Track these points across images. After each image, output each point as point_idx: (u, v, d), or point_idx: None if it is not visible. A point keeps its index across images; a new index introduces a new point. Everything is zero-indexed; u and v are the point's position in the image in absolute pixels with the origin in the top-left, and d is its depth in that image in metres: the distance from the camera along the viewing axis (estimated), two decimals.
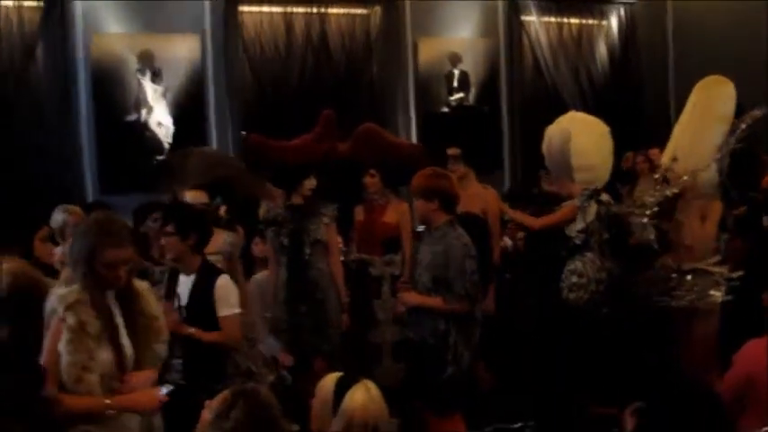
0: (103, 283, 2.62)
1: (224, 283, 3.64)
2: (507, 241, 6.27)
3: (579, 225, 4.67)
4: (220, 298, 3.59)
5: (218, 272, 3.73)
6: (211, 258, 4.15)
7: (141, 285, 2.84)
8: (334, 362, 4.85)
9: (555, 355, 4.61)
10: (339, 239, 5.35)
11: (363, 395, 2.34)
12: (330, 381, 2.42)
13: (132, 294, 2.72)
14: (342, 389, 2.36)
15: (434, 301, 3.98)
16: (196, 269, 3.64)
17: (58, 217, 4.63)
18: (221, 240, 4.23)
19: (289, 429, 2.02)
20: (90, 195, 7.01)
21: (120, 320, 2.68)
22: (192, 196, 4.25)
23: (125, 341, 2.67)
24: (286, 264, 4.82)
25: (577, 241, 4.65)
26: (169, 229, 3.60)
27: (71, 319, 2.52)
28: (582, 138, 4.80)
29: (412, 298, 4.13)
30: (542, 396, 4.53)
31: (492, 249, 5.20)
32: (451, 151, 5.47)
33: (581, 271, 4.62)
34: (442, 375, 3.90)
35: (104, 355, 2.57)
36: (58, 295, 2.57)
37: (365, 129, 5.52)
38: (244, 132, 7.48)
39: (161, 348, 2.79)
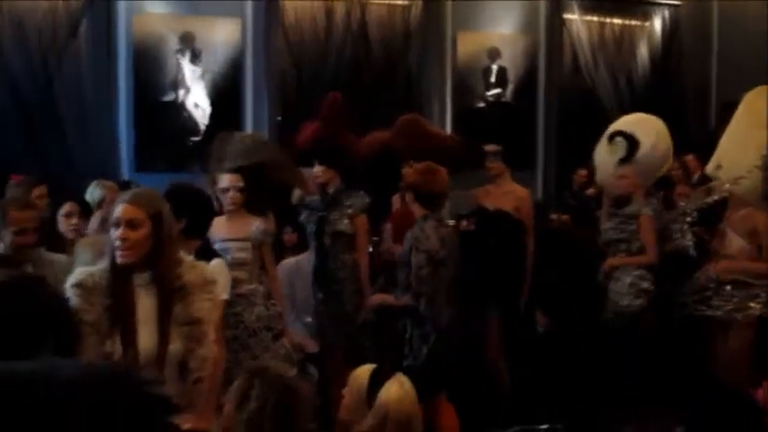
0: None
1: (215, 265, 3.58)
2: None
3: None
4: None
5: (213, 255, 3.67)
6: (239, 245, 4.12)
7: (200, 277, 2.58)
8: (351, 354, 4.83)
9: (616, 359, 4.55)
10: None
11: (398, 390, 2.32)
12: (364, 373, 2.41)
13: (171, 290, 2.49)
14: (376, 382, 2.34)
15: (390, 298, 4.28)
16: (191, 253, 3.58)
17: (95, 192, 4.65)
18: (251, 227, 4.17)
19: (309, 395, 2.04)
20: (126, 173, 7.06)
21: (148, 313, 2.49)
22: (228, 180, 4.22)
23: (147, 336, 2.47)
24: (314, 249, 4.84)
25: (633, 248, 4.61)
26: None
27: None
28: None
29: (376, 299, 4.53)
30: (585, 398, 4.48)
31: (527, 248, 5.14)
32: (491, 148, 5.40)
33: (649, 278, 4.58)
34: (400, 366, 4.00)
35: (108, 346, 2.41)
36: (74, 272, 2.50)
37: (407, 119, 5.48)
38: (279, 118, 7.50)
39: (207, 352, 2.55)
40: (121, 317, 2.45)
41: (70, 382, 0.97)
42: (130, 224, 2.43)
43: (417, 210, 4.11)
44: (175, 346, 2.50)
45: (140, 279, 2.49)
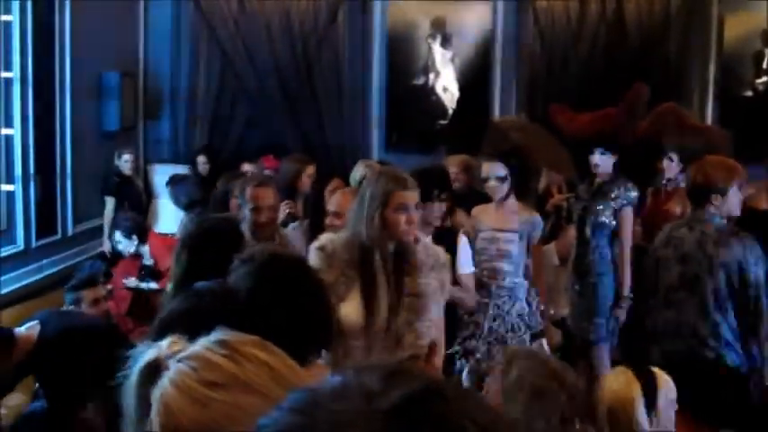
0: (380, 233, 2.59)
1: (463, 242, 3.55)
2: None
3: None
4: (459, 257, 3.48)
5: (457, 231, 3.67)
6: (507, 236, 3.93)
7: (432, 254, 2.73)
8: (596, 353, 4.59)
9: None
10: None
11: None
12: (627, 382, 2.24)
13: (402, 263, 2.65)
14: (649, 390, 2.19)
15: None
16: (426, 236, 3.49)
17: (358, 170, 4.85)
18: (520, 218, 3.95)
19: (575, 385, 2.00)
20: (375, 154, 7.36)
21: (383, 283, 2.64)
22: (485, 169, 4.00)
23: (382, 307, 2.62)
24: (576, 238, 4.66)
25: None
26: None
27: (311, 260, 2.60)
28: None
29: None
30: None
31: None
32: None
33: None
34: None
35: (345, 309, 2.56)
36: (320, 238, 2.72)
37: (665, 109, 5.13)
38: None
39: (424, 328, 2.65)
40: (367, 286, 2.59)
41: None
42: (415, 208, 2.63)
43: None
44: (401, 318, 2.61)
45: (380, 253, 2.65)
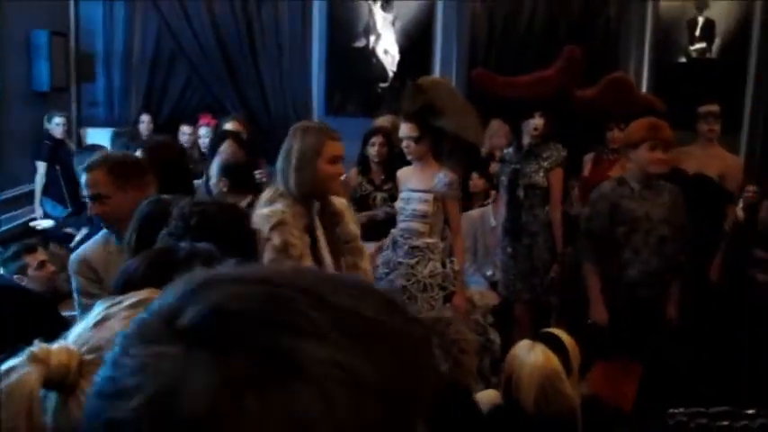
0: (318, 188, 2.64)
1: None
2: (740, 213, 5.80)
3: None
4: None
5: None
6: (421, 196, 3.95)
7: (340, 202, 2.83)
8: (536, 312, 4.70)
9: None
10: None
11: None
12: (545, 356, 2.25)
13: (331, 212, 2.74)
14: (565, 356, 2.25)
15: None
16: None
17: None
18: (433, 179, 3.91)
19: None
20: (315, 116, 7.28)
21: (321, 238, 2.69)
22: (402, 129, 3.96)
23: (327, 260, 2.66)
24: (506, 202, 4.71)
25: None
26: None
27: (276, 240, 2.50)
28: None
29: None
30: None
31: (724, 216, 4.75)
32: (711, 108, 4.96)
33: None
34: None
35: None
36: (262, 215, 2.54)
37: (616, 78, 5.18)
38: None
39: (367, 265, 2.79)
40: (312, 245, 2.63)
41: None
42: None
43: None
44: (344, 266, 2.72)
45: (314, 209, 2.72)
